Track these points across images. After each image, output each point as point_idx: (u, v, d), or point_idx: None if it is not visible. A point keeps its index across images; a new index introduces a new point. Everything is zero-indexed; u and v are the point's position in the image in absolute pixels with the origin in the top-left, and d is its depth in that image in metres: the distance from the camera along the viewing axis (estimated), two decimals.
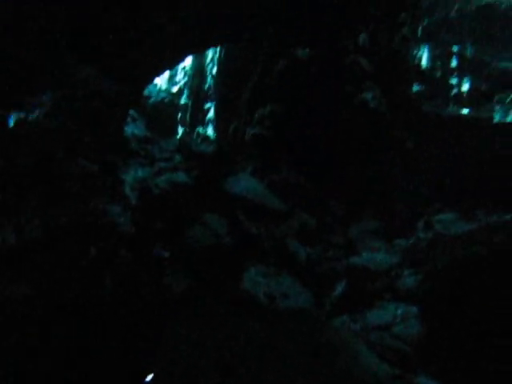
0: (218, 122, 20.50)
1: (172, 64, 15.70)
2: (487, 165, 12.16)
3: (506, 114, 12.68)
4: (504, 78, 13.45)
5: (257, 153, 15.05)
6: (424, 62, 14.24)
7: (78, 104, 9.93)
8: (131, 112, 19.70)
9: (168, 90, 24.68)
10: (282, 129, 14.58)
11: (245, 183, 13.33)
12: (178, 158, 16.47)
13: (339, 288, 10.15)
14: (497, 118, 12.69)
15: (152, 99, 23.66)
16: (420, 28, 14.64)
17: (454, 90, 13.78)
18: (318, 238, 12.47)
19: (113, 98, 11.22)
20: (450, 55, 14.10)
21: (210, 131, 21.09)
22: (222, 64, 20.44)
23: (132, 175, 13.18)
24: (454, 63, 14.03)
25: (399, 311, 8.15)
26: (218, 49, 20.46)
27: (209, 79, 23.22)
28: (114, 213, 10.98)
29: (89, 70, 9.56)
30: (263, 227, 12.23)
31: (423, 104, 13.47)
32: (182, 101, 24.34)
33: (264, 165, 14.71)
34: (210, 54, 22.60)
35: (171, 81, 25.96)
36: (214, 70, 22.16)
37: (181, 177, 13.44)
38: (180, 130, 22.64)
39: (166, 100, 23.61)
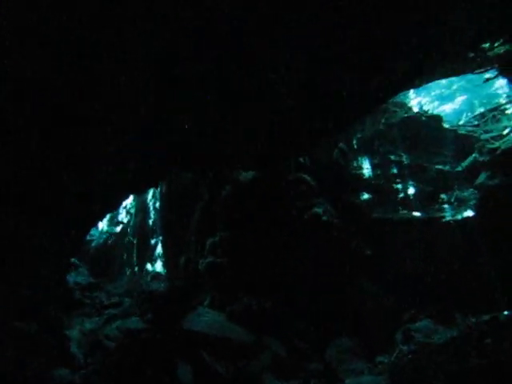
0: (167, 257, 19.71)
1: (114, 207, 15.33)
2: (449, 263, 12.17)
3: (455, 212, 13.19)
4: (443, 180, 14.32)
5: (213, 283, 14.26)
6: (366, 171, 14.87)
7: None
8: (73, 260, 18.59)
9: (111, 231, 23.88)
10: (237, 255, 14.10)
11: (205, 318, 12.33)
12: (128, 301, 15.27)
13: None
14: (448, 216, 13.12)
15: (94, 243, 22.72)
16: (355, 142, 15.63)
17: (401, 195, 14.31)
18: (294, 368, 11.35)
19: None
20: (388, 163, 14.92)
21: (159, 267, 20.14)
22: (164, 197, 20.32)
23: (78, 329, 11.79)
24: (394, 170, 14.78)
25: None
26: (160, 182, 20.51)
27: (152, 214, 22.88)
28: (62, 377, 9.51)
29: None
30: (232, 365, 11.02)
31: (373, 211, 13.72)
32: (127, 240, 23.51)
33: (222, 295, 13.87)
34: (151, 188, 22.58)
35: (113, 221, 25.30)
36: (157, 204, 21.97)
37: (134, 322, 12.20)
38: (128, 271, 21.46)
39: (109, 241, 22.75)
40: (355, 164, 15.03)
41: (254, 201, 14.55)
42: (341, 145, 15.06)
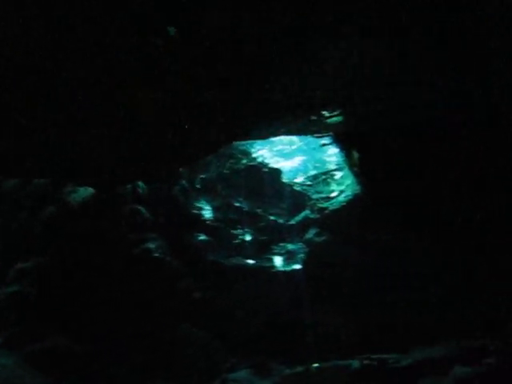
0: None
1: None
2: (274, 313, 12.46)
3: (284, 264, 13.77)
4: (276, 231, 14.93)
5: (14, 317, 12.12)
6: (205, 213, 14.69)
7: None
8: None
9: None
10: (50, 286, 12.35)
11: None
12: None
13: None
14: (277, 267, 13.62)
15: None
16: (198, 181, 15.38)
17: (237, 241, 14.42)
18: None
19: None
20: (228, 207, 15.03)
21: None
22: None
23: None
24: (233, 215, 14.91)
25: None
26: None
27: None
28: None
29: None
30: None
31: (207, 254, 13.48)
32: None
33: (23, 332, 11.84)
34: None
35: None
36: None
37: None
38: None
39: None
40: (195, 204, 14.75)
41: (81, 227, 13.10)
42: (183, 182, 14.68)
